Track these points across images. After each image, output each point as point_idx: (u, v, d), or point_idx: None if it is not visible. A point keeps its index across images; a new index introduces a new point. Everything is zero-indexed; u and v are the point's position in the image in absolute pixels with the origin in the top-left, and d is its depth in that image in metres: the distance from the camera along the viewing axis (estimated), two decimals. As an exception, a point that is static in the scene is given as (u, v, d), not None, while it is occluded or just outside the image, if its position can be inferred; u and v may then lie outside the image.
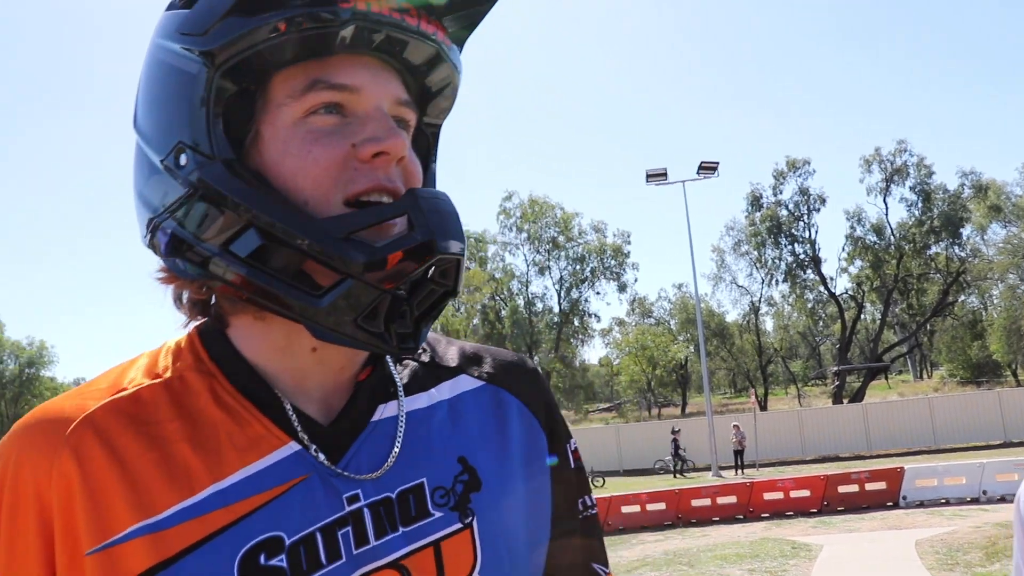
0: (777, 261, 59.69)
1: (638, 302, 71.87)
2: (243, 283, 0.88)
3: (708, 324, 59.04)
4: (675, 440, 34.63)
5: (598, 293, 65.22)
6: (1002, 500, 18.56)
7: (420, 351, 1.08)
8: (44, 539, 0.86)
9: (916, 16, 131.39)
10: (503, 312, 62.92)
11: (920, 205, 55.09)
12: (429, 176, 1.04)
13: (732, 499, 20.34)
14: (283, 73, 0.89)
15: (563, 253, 63.33)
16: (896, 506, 19.23)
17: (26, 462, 0.87)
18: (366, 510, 0.91)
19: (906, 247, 55.56)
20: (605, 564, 1.14)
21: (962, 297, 59.42)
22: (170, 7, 0.95)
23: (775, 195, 58.51)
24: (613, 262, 64.09)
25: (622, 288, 64.92)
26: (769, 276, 60.81)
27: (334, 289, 0.85)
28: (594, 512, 1.14)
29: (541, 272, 63.63)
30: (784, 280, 60.19)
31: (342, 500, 0.90)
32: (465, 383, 1.07)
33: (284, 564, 0.85)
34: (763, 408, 50.93)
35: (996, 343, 56.43)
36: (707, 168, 39.98)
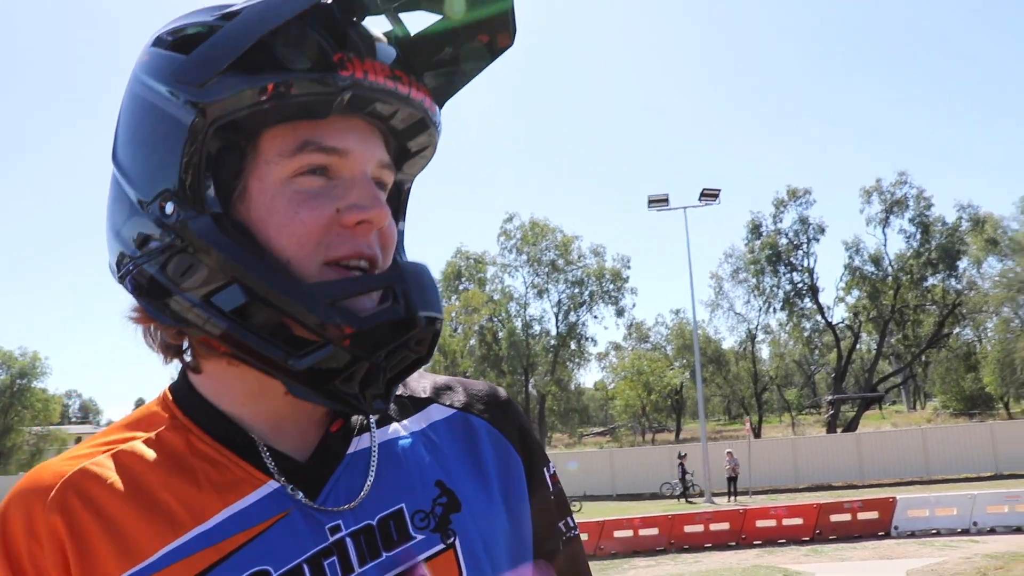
0: (775, 289, 60.00)
1: (635, 327, 72.05)
2: (223, 336, 0.90)
3: (704, 351, 59.26)
4: (682, 464, 34.74)
5: (596, 317, 65.47)
6: (992, 532, 18.73)
7: None
8: None
9: (919, 49, 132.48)
10: (500, 334, 63.03)
11: (918, 237, 55.47)
12: (400, 231, 1.09)
13: (725, 526, 20.44)
14: (274, 130, 0.91)
15: (562, 276, 63.54)
16: (888, 536, 19.35)
17: (18, 527, 0.90)
18: (348, 539, 0.93)
19: (903, 278, 55.87)
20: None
21: (957, 329, 59.72)
22: (157, 43, 0.95)
23: (775, 224, 58.90)
24: (612, 286, 64.30)
25: (620, 313, 65.11)
26: (767, 304, 61.09)
27: (314, 352, 0.88)
28: (576, 533, 1.19)
29: (540, 295, 63.84)
30: (782, 308, 60.47)
31: (325, 531, 0.93)
32: (436, 412, 1.12)
33: None
34: (757, 435, 51.05)
35: (989, 376, 56.70)
36: (709, 195, 40.30)
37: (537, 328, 64.35)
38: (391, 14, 0.99)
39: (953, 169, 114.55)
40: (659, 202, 40.98)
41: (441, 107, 1.05)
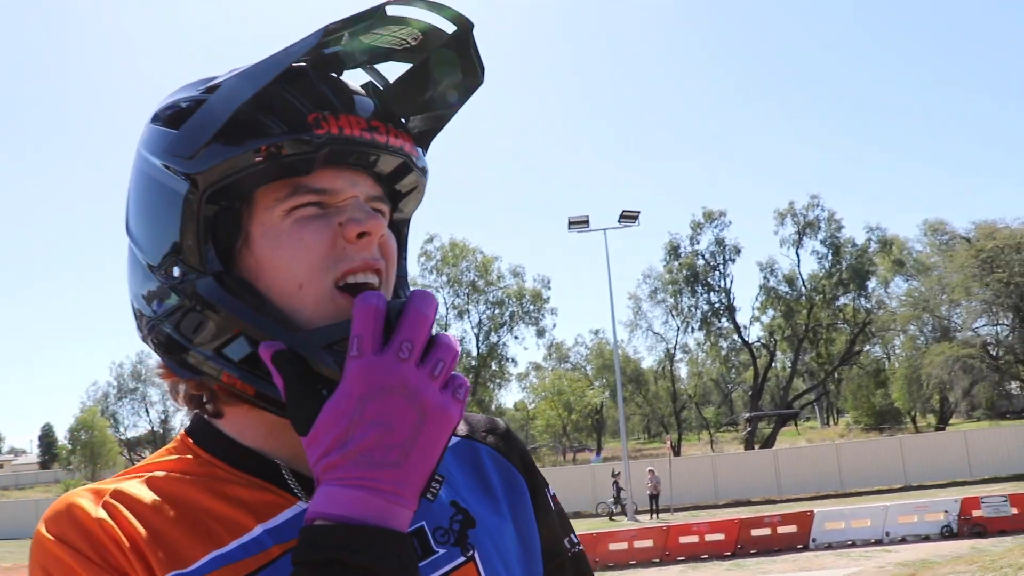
0: (693, 309, 61.00)
1: (555, 347, 72.44)
2: (235, 383, 0.98)
3: (624, 370, 59.85)
4: (615, 483, 34.88)
5: (516, 338, 65.58)
6: (903, 541, 19.35)
7: None
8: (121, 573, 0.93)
9: (831, 78, 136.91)
10: (422, 354, 62.50)
11: (830, 258, 57.10)
12: (402, 267, 1.17)
13: (648, 543, 20.70)
14: (265, 187, 0.98)
15: (482, 297, 63.58)
16: (806, 548, 19.83)
17: (75, 532, 0.93)
18: None
19: (816, 298, 57.45)
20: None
21: (867, 347, 61.65)
22: (154, 119, 1.03)
23: (692, 245, 59.98)
24: (532, 307, 64.55)
25: (540, 333, 65.40)
26: (685, 324, 62.06)
27: None
28: (580, 549, 1.27)
29: (460, 315, 63.73)
30: (699, 328, 61.51)
31: None
32: None
33: None
34: (677, 453, 51.73)
35: (898, 391, 58.60)
36: (628, 217, 40.85)
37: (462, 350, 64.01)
38: (367, 67, 1.08)
39: (863, 191, 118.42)
40: (579, 223, 41.39)
41: (427, 146, 1.13)
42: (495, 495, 1.16)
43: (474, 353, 63.72)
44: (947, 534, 19.34)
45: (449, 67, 1.08)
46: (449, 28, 1.05)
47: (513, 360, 66.71)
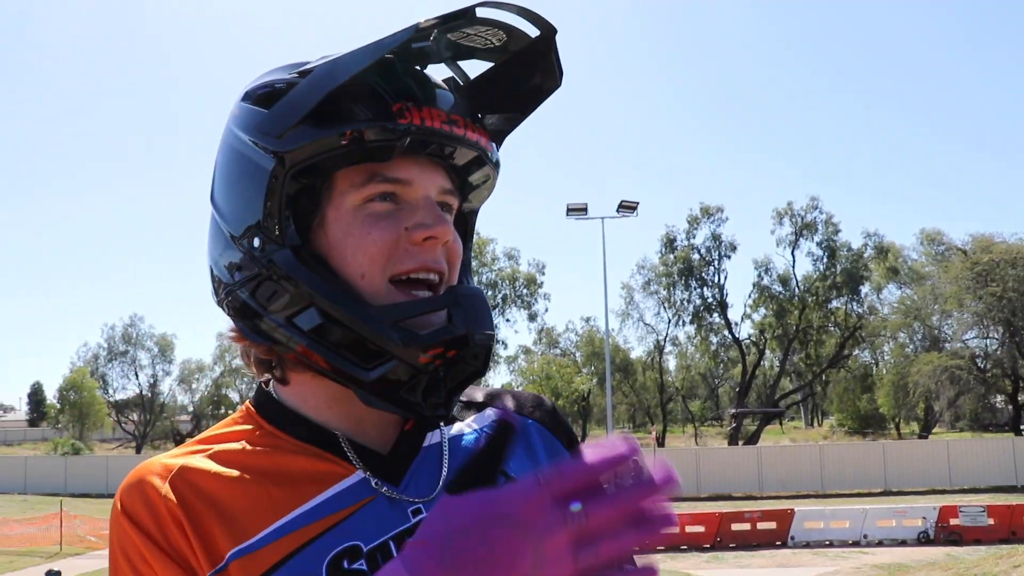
0: (685, 303, 61.12)
1: (546, 332, 72.53)
2: (304, 352, 1.05)
3: (613, 359, 60.04)
4: None
5: (508, 320, 65.63)
6: (880, 544, 19.62)
7: None
8: (179, 560, 1.01)
9: (838, 79, 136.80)
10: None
11: (825, 260, 57.23)
12: (467, 257, 1.22)
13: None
14: (345, 170, 1.05)
15: (475, 278, 63.40)
16: (785, 545, 20.10)
17: (139, 505, 1.03)
18: None
19: (809, 299, 57.62)
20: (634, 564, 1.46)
21: (856, 351, 61.92)
22: (245, 98, 1.10)
23: (688, 239, 60.04)
24: (525, 291, 64.60)
25: (532, 317, 65.45)
26: (676, 316, 62.19)
27: (381, 366, 1.02)
28: None
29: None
30: (691, 321, 61.66)
31: (408, 514, 1.06)
32: (493, 414, 1.26)
33: (364, 567, 1.01)
34: (661, 444, 52.03)
35: (884, 397, 58.93)
36: (627, 207, 40.82)
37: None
38: (450, 63, 1.15)
39: (862, 197, 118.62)
40: (578, 211, 41.36)
41: (501, 142, 1.20)
42: (541, 465, 1.19)
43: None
44: (924, 540, 19.65)
45: (530, 70, 1.14)
46: (533, 32, 1.10)
47: (503, 343, 66.82)
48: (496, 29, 1.08)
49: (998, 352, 50.16)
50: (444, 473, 1.12)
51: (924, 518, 20.26)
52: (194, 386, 78.93)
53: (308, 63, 1.07)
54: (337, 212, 1.05)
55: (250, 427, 1.14)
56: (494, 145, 1.16)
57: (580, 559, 0.75)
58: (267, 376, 1.18)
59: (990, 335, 50.88)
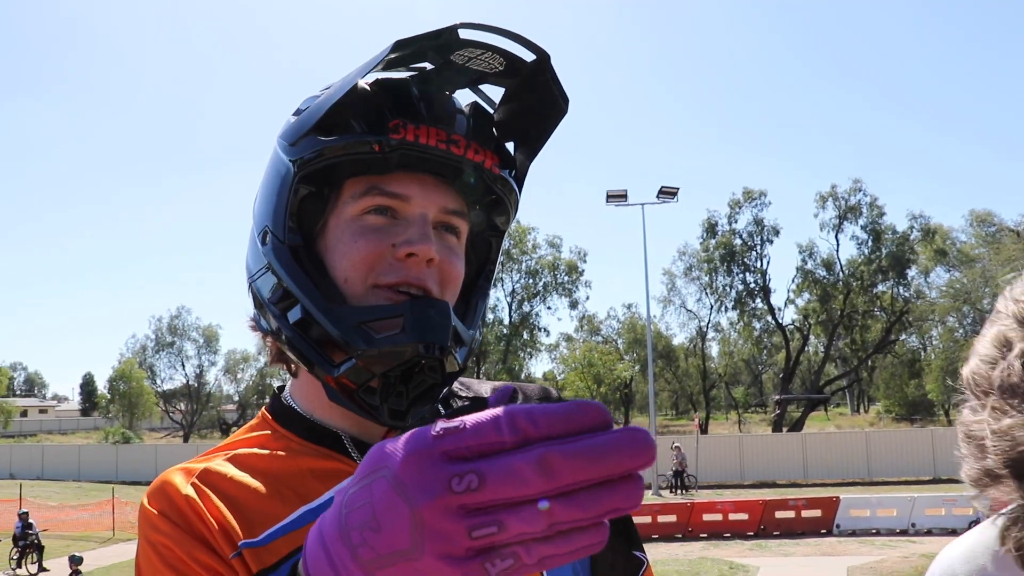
0: (728, 288, 60.71)
1: (587, 319, 72.42)
2: (289, 343, 1.12)
3: (655, 346, 59.76)
4: (675, 456, 34.79)
5: (549, 308, 65.63)
6: (929, 533, 19.36)
7: (460, 389, 1.34)
8: (202, 541, 1.07)
9: (881, 60, 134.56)
10: (455, 320, 62.75)
11: (870, 244, 56.41)
12: (480, 281, 1.27)
13: (672, 518, 20.86)
14: (352, 180, 1.11)
15: (517, 266, 63.63)
16: (830, 533, 19.91)
17: (166, 505, 1.09)
18: None
19: (854, 284, 56.86)
20: (643, 551, 1.36)
21: (903, 336, 61.00)
22: (295, 112, 1.19)
23: (730, 224, 59.54)
24: (566, 278, 64.54)
25: (573, 305, 65.43)
26: (719, 302, 61.83)
27: (343, 364, 1.07)
28: (628, 514, 1.45)
29: (494, 284, 63.70)
30: (733, 307, 61.21)
31: None
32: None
33: None
34: (704, 432, 51.76)
35: (932, 383, 57.94)
36: (667, 193, 40.63)
37: (490, 317, 64.51)
38: (473, 88, 1.19)
39: (907, 179, 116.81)
40: (617, 197, 41.21)
41: (524, 172, 1.22)
42: None
43: (506, 322, 63.94)
44: (974, 528, 19.30)
45: (532, 95, 1.16)
46: (528, 56, 1.12)
47: (545, 330, 66.88)
48: (493, 53, 1.11)
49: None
50: None
51: (975, 507, 19.93)
52: (239, 376, 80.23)
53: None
54: (337, 220, 1.12)
55: (265, 431, 1.21)
56: (506, 170, 1.17)
57: (475, 536, 0.57)
58: (277, 388, 1.26)
59: (1043, 318, 49.73)
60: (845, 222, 57.10)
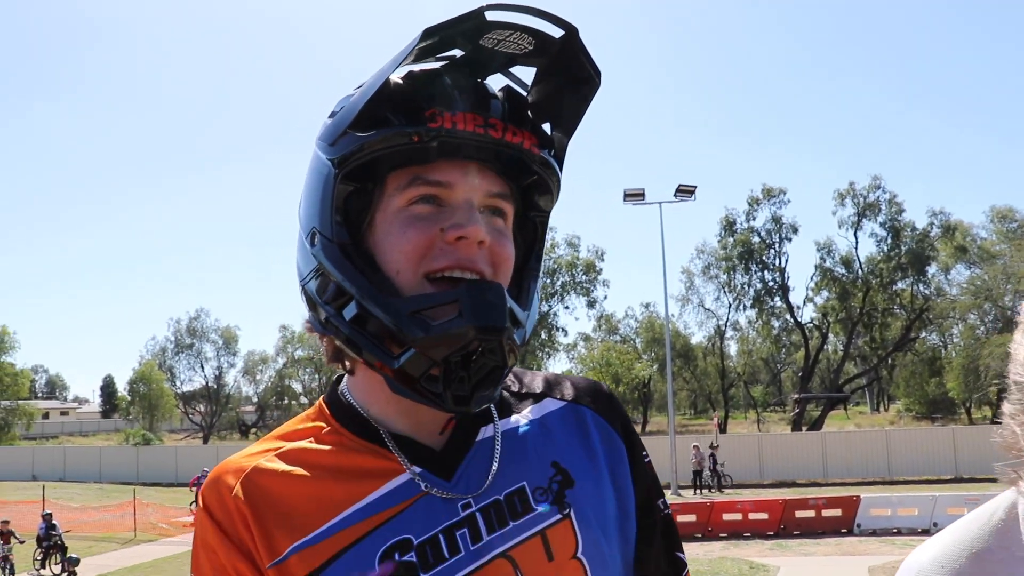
0: (746, 287, 60.43)
1: (605, 319, 72.30)
2: (346, 341, 1.13)
3: (673, 345, 59.58)
4: (713, 455, 34.80)
5: (567, 307, 65.57)
6: (951, 533, 19.16)
7: (511, 383, 1.33)
8: (243, 551, 1.13)
9: (898, 56, 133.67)
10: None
11: (889, 241, 55.98)
12: (531, 263, 1.25)
13: (692, 518, 20.80)
14: (395, 173, 1.12)
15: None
16: (850, 533, 19.82)
17: (217, 506, 1.15)
18: (478, 514, 1.13)
19: (873, 281, 56.48)
20: (683, 553, 1.36)
21: (923, 334, 60.53)
22: (331, 115, 1.20)
23: (748, 221, 59.24)
24: (584, 277, 64.47)
25: (591, 304, 65.35)
26: (737, 301, 61.55)
27: (402, 355, 1.07)
28: (670, 512, 1.35)
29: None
30: (752, 306, 60.93)
31: (457, 508, 1.13)
32: (550, 404, 1.31)
33: (415, 559, 1.08)
34: (723, 431, 51.59)
35: (953, 381, 57.53)
36: (685, 191, 40.45)
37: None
38: (504, 72, 1.19)
39: (926, 175, 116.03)
40: (635, 196, 41.06)
41: (563, 151, 1.22)
42: (596, 458, 1.25)
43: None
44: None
45: (564, 72, 1.16)
46: (556, 32, 1.12)
47: (563, 330, 66.81)
48: (522, 33, 1.11)
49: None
50: (495, 466, 1.17)
51: (996, 505, 19.77)
52: (258, 377, 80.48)
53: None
54: (383, 214, 1.13)
55: (320, 424, 1.23)
56: (545, 149, 1.17)
57: None
58: (339, 367, 1.26)
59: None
60: (864, 219, 56.72)
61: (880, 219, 56.34)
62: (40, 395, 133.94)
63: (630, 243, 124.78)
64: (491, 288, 1.08)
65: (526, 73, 1.20)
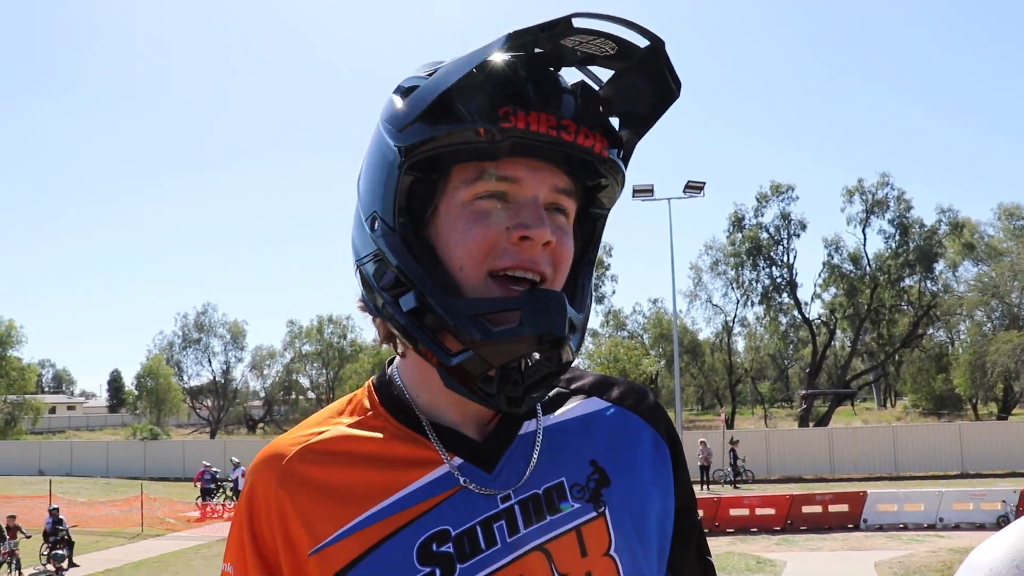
0: (754, 283, 60.38)
1: (613, 315, 72.30)
2: (402, 330, 1.14)
3: (681, 341, 59.49)
4: (733, 450, 34.83)
5: (575, 304, 65.52)
6: (957, 528, 19.21)
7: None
8: (270, 544, 1.16)
9: (905, 55, 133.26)
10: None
11: (897, 238, 55.92)
12: (586, 259, 1.25)
13: (700, 513, 20.78)
14: (462, 165, 1.11)
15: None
16: (857, 528, 19.80)
17: (260, 493, 1.18)
18: (516, 507, 1.14)
19: (881, 278, 56.41)
20: (711, 557, 1.40)
21: (931, 331, 60.44)
22: (395, 91, 1.18)
23: (757, 217, 59.19)
24: (593, 273, 64.41)
25: (599, 300, 65.28)
26: (745, 297, 61.54)
27: (460, 354, 1.08)
28: (700, 518, 1.39)
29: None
30: (759, 302, 60.91)
31: (496, 500, 1.14)
32: (595, 404, 1.31)
33: (451, 550, 1.10)
34: (730, 426, 51.54)
35: (960, 377, 57.36)
36: (693, 187, 40.37)
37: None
38: (581, 68, 1.18)
39: (935, 173, 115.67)
40: (644, 192, 41.03)
41: (631, 150, 1.21)
42: (638, 460, 1.27)
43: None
44: (1003, 524, 19.11)
45: (644, 80, 1.16)
46: (642, 42, 1.12)
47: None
48: (604, 39, 1.10)
49: (1081, 329, 48.45)
50: (535, 460, 1.19)
51: (1004, 502, 19.73)
52: (265, 372, 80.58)
53: (442, 63, 1.14)
54: (448, 205, 1.11)
55: (366, 407, 1.25)
56: (614, 151, 1.16)
57: None
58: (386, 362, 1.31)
59: (1072, 312, 49.14)
60: (872, 216, 56.65)
61: (888, 216, 56.32)
62: (47, 390, 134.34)
63: (639, 239, 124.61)
64: (554, 298, 1.08)
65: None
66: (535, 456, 1.19)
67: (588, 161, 1.14)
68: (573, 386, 1.33)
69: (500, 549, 1.11)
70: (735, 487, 32.79)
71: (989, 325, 55.15)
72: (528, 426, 1.23)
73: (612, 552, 1.15)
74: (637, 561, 1.18)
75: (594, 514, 1.16)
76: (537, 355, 1.09)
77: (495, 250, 1.09)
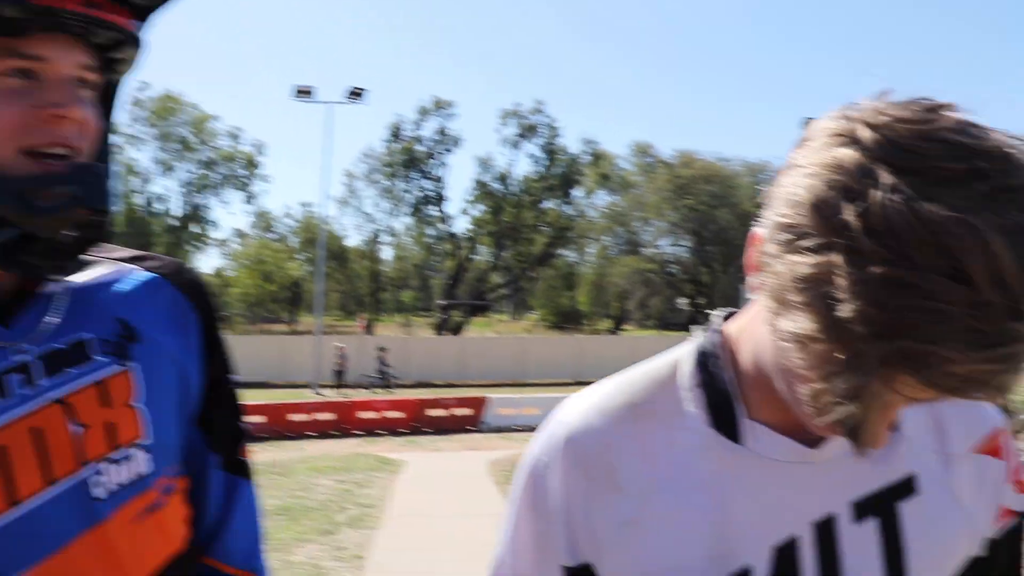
0: (406, 194, 61.25)
1: (262, 216, 70.22)
2: None
3: (329, 246, 59.19)
4: (381, 358, 34.53)
5: (224, 202, 62.87)
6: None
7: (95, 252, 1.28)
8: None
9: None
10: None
11: (546, 163, 59.25)
12: (108, 125, 1.21)
13: (330, 416, 20.84)
14: None
15: (193, 155, 59.99)
16: (479, 431, 20.88)
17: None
18: (38, 361, 1.12)
19: (525, 199, 59.59)
20: (245, 424, 1.44)
21: (563, 251, 65.16)
22: None
23: (416, 130, 59.79)
24: (243, 171, 61.92)
25: (249, 199, 63.04)
26: (396, 207, 62.28)
27: (4, 231, 1.06)
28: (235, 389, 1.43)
29: (166, 172, 59.80)
30: (410, 214, 61.98)
31: (8, 353, 1.10)
32: (128, 270, 1.29)
33: None
34: (369, 333, 52.38)
35: (584, 295, 62.73)
36: (355, 93, 39.82)
37: (159, 207, 60.57)
38: None
39: (583, 108, 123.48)
40: (304, 93, 39.78)
41: (146, 17, 1.18)
42: (168, 325, 1.28)
43: (176, 213, 60.36)
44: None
45: None
46: None
47: (215, 223, 63.94)
48: None
49: (686, 259, 54.60)
50: (59, 317, 1.17)
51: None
52: None
53: None
54: None
55: None
56: (138, 23, 1.16)
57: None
58: None
59: (680, 243, 55.19)
60: (524, 140, 59.36)
61: (539, 141, 59.28)
62: None
63: (297, 142, 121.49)
64: (98, 171, 1.12)
65: None
66: (60, 313, 1.17)
67: (113, 35, 1.13)
68: (108, 255, 1.30)
69: (13, 400, 1.09)
70: (390, 392, 33.39)
71: (614, 250, 60.50)
72: (54, 287, 1.19)
73: (135, 403, 1.18)
74: (162, 412, 1.21)
75: (120, 368, 1.18)
76: (81, 225, 1.10)
77: (27, 128, 1.06)
